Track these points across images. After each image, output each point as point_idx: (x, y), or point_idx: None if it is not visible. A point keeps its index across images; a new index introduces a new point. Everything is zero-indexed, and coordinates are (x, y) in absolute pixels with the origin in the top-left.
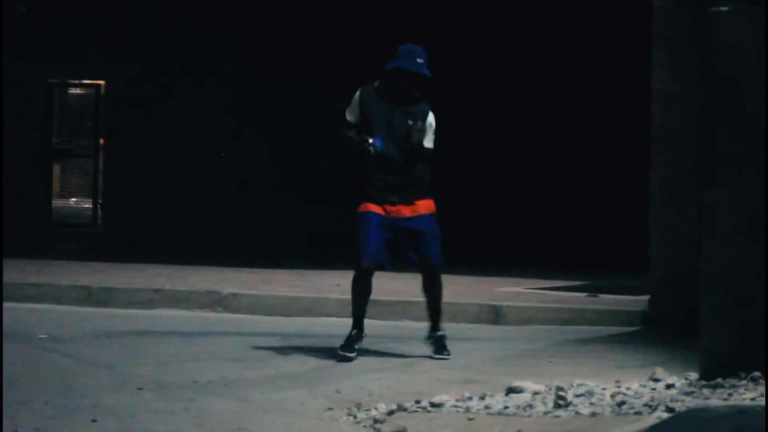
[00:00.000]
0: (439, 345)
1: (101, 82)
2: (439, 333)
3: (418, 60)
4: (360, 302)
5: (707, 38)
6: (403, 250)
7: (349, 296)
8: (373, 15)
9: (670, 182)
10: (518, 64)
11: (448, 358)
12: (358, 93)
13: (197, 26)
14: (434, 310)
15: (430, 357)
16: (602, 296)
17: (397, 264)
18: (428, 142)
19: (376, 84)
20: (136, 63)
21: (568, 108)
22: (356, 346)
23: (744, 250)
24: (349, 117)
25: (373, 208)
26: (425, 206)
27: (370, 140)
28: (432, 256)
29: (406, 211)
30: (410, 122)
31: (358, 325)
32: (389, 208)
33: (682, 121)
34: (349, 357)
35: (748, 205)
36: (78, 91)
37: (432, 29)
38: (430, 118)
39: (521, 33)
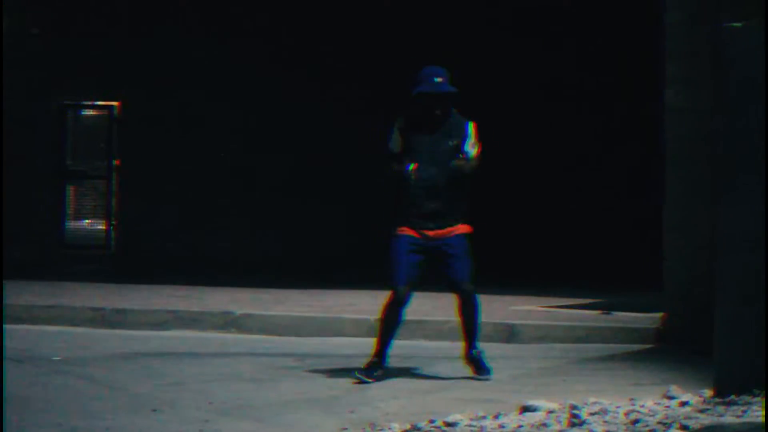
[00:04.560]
0: (477, 365)
1: (115, 103)
2: (474, 351)
3: (436, 79)
4: (390, 332)
5: (720, 54)
6: (436, 272)
7: (363, 316)
8: (390, 31)
9: (683, 197)
10: (531, 79)
11: (489, 379)
12: (396, 124)
13: (210, 46)
14: (468, 329)
15: (471, 378)
16: (616, 314)
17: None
18: (471, 150)
19: (409, 116)
20: (149, 84)
21: (580, 124)
22: (376, 373)
23: (758, 265)
24: (393, 147)
25: (408, 231)
26: (460, 229)
27: (411, 167)
28: (456, 273)
29: (439, 234)
30: (451, 143)
31: (380, 354)
32: (425, 232)
33: (695, 135)
34: (367, 381)
35: (762, 219)
36: (91, 113)
37: (448, 44)
38: (471, 130)
39: (535, 46)
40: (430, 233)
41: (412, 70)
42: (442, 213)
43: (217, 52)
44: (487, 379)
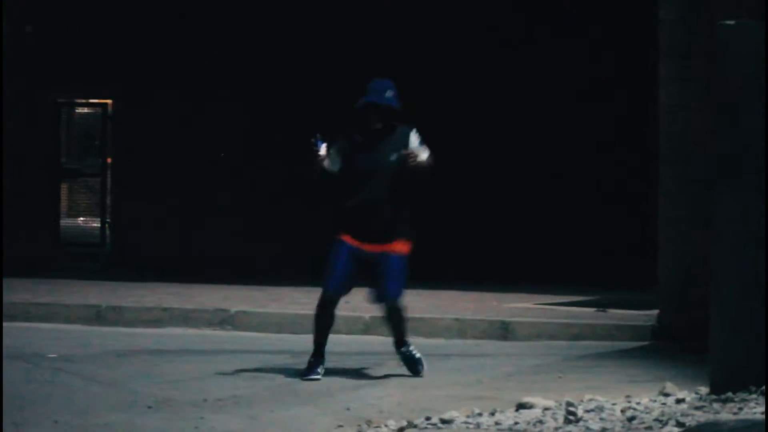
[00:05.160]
0: (410, 363)
1: (108, 101)
2: (405, 348)
3: (387, 94)
4: (322, 331)
5: (715, 52)
6: (369, 279)
7: (357, 314)
8: (391, 32)
9: (679, 195)
10: (526, 79)
11: (421, 377)
12: (335, 146)
13: (204, 44)
14: (396, 335)
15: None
16: (611, 311)
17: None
18: (424, 156)
19: (350, 135)
20: (143, 81)
21: (575, 119)
22: (320, 369)
23: (754, 262)
24: (330, 167)
25: (348, 239)
26: (398, 247)
27: (318, 146)
28: (388, 291)
29: (377, 249)
30: (393, 156)
31: (318, 352)
32: (363, 245)
33: (690, 133)
34: (315, 378)
35: (758, 217)
36: (85, 110)
37: (445, 46)
38: (413, 137)
39: (528, 41)
40: (368, 247)
41: (410, 73)
42: (382, 230)
43: (212, 50)
44: (419, 375)
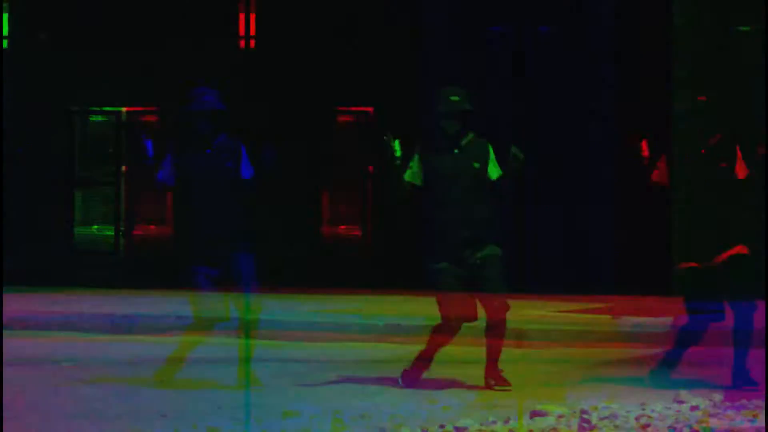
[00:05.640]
0: (499, 379)
1: (122, 109)
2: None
3: (452, 99)
4: (435, 348)
5: (730, 57)
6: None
7: (371, 322)
8: (392, 33)
9: (693, 200)
10: (534, 80)
11: (509, 389)
12: (416, 156)
13: (216, 51)
14: (492, 355)
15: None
16: (626, 317)
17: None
18: (496, 172)
19: (425, 145)
20: (155, 89)
21: (589, 125)
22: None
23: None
24: (414, 181)
25: (447, 264)
26: (493, 251)
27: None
28: (491, 297)
29: (473, 259)
30: (477, 165)
31: (427, 359)
32: (462, 260)
33: (704, 139)
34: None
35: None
36: (99, 119)
37: (450, 50)
38: (490, 150)
39: (537, 51)
40: (467, 259)
41: (410, 73)
42: (472, 238)
43: (223, 56)
44: (507, 390)
